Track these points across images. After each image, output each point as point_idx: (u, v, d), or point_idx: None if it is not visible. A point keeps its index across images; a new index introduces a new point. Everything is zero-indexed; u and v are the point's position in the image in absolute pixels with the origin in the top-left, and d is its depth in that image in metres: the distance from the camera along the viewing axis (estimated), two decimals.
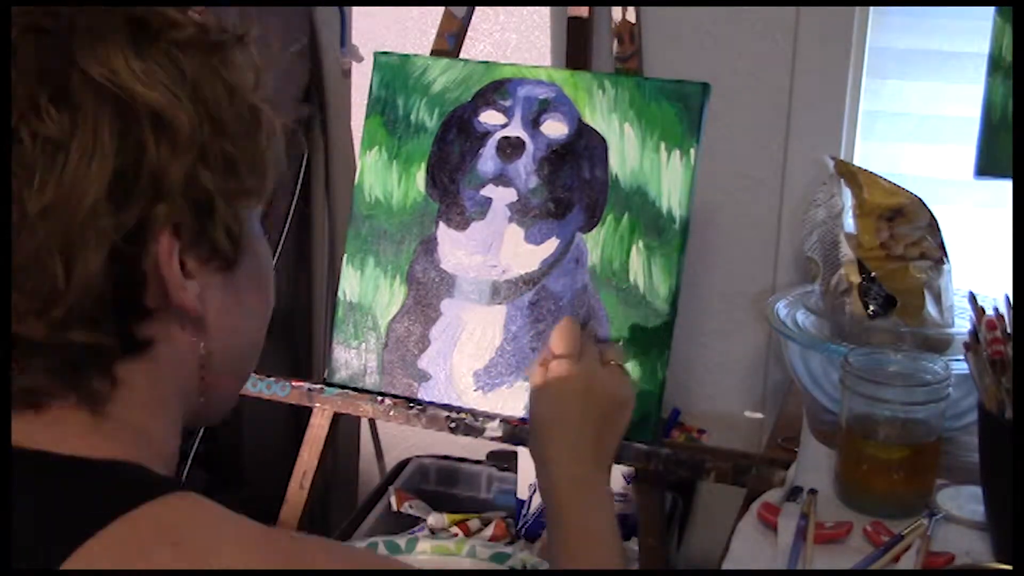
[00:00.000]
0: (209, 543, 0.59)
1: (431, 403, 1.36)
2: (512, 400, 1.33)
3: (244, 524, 0.61)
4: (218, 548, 0.59)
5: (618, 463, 1.31)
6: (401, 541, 1.37)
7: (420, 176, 1.39)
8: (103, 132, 0.61)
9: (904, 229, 1.34)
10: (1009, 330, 0.99)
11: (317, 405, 1.43)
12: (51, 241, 0.61)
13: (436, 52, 1.52)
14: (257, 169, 0.69)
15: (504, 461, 1.70)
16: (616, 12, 1.50)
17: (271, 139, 0.71)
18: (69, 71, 0.62)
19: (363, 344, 1.40)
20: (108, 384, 0.65)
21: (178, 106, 0.64)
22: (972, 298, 1.03)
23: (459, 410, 1.35)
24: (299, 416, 1.52)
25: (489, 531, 1.58)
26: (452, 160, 1.38)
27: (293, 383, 1.43)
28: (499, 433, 1.33)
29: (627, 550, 0.89)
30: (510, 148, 1.35)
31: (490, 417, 1.33)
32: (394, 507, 1.63)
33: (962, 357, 1.03)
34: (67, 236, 0.61)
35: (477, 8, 1.58)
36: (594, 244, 1.31)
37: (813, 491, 1.11)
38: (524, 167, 1.35)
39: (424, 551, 1.36)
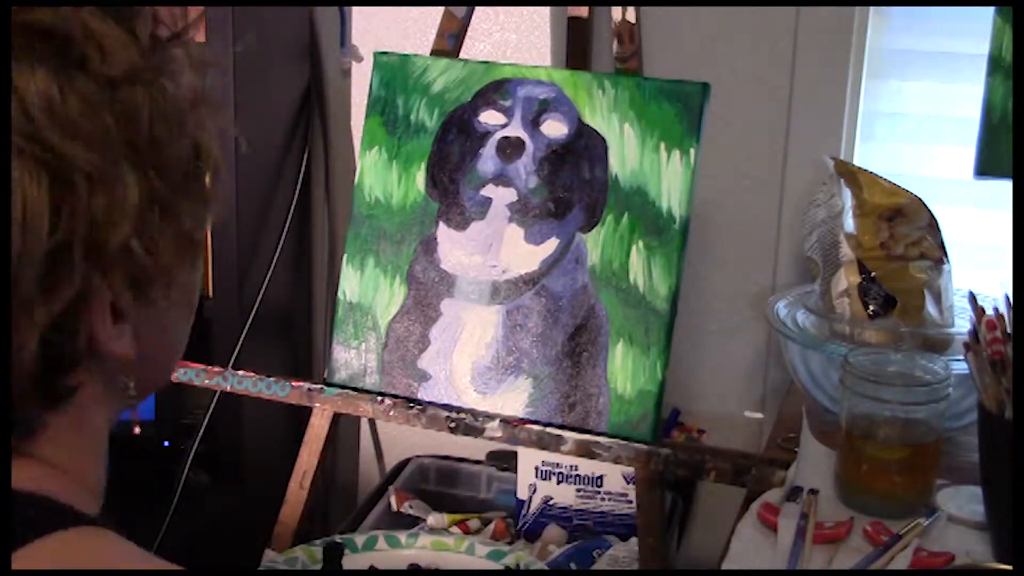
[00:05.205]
0: None
1: (431, 403, 1.36)
2: (512, 400, 1.33)
3: (146, 559, 0.58)
4: None
5: (618, 463, 1.31)
6: (401, 536, 1.38)
7: (420, 176, 1.39)
8: (36, 205, 0.55)
9: (904, 229, 1.34)
10: (1009, 330, 0.99)
11: (317, 405, 1.42)
12: None
13: (436, 52, 1.52)
14: (198, 216, 0.65)
15: (504, 461, 1.70)
16: (616, 12, 1.50)
17: (215, 176, 0.65)
18: None
19: (363, 344, 1.39)
20: (28, 434, 0.61)
21: (114, 168, 0.57)
22: (972, 298, 1.03)
23: (459, 410, 1.35)
24: (299, 416, 1.52)
25: (489, 531, 1.57)
26: (452, 160, 1.38)
27: (293, 383, 1.43)
28: (499, 433, 1.33)
29: None
30: (510, 148, 1.35)
31: (490, 417, 1.33)
32: (394, 507, 1.63)
33: (962, 357, 1.03)
34: None
35: (477, 8, 1.57)
36: (594, 244, 1.31)
37: (813, 491, 1.11)
38: (524, 167, 1.35)
39: (424, 546, 1.37)
